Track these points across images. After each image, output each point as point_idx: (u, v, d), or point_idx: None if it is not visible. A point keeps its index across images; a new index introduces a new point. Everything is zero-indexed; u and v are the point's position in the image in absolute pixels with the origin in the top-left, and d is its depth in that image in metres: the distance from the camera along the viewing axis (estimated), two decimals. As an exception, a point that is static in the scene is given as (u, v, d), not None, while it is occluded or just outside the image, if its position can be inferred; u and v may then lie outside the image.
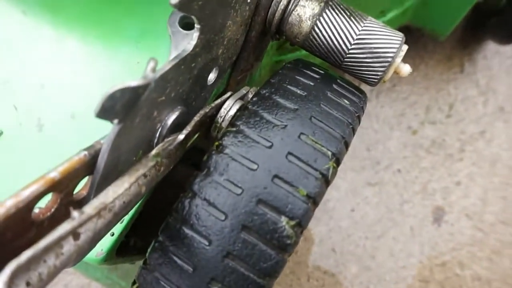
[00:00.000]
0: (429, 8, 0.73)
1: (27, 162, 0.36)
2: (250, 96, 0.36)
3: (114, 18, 0.40)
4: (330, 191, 0.89)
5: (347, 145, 0.32)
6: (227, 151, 0.28)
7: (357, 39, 0.36)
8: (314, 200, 0.27)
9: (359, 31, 0.36)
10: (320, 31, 0.36)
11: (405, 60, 0.36)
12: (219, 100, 0.34)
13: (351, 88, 0.36)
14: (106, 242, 0.35)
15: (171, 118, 0.29)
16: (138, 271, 0.29)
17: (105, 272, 0.53)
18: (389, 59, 0.36)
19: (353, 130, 0.33)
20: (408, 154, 0.93)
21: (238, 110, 0.34)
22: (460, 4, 0.71)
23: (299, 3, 0.37)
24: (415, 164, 0.92)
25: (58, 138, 0.37)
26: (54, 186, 0.21)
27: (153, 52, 0.39)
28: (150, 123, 0.27)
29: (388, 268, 0.85)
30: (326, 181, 0.28)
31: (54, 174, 0.21)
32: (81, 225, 0.20)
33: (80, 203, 0.25)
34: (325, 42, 0.37)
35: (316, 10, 0.36)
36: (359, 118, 0.35)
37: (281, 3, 0.36)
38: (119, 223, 0.35)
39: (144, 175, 0.26)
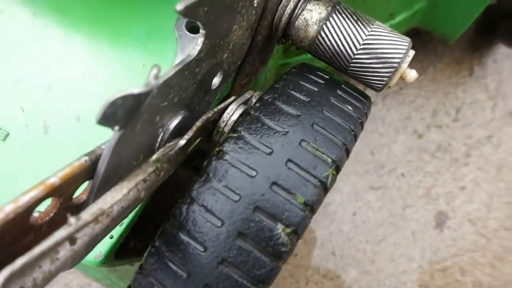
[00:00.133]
0: (439, 11, 0.72)
1: (32, 164, 0.37)
2: (253, 100, 0.36)
3: (122, 20, 0.40)
4: (332, 194, 0.89)
5: (348, 152, 0.32)
6: (226, 157, 0.28)
7: (363, 44, 0.35)
8: (311, 207, 0.27)
9: (366, 36, 0.35)
10: (327, 35, 0.36)
11: (413, 63, 0.36)
12: (222, 105, 0.33)
13: (355, 94, 0.36)
14: (105, 245, 0.35)
15: (173, 123, 0.29)
16: (134, 276, 0.29)
17: (104, 273, 0.53)
18: (395, 65, 0.35)
19: (355, 137, 0.33)
20: (413, 158, 0.92)
21: (240, 115, 0.34)
22: (470, 7, 0.70)
23: (306, 7, 0.36)
24: (420, 168, 0.91)
25: (63, 141, 0.37)
26: (53, 192, 0.21)
27: (159, 55, 0.39)
28: (151, 128, 0.27)
29: (388, 273, 0.85)
30: (325, 188, 0.28)
31: (54, 180, 0.21)
32: (77, 231, 0.20)
33: (79, 208, 0.25)
34: (331, 47, 0.36)
35: (323, 14, 0.36)
36: (362, 124, 0.35)
37: (288, 7, 0.36)
38: (118, 226, 0.35)
39: (144, 180, 0.26)
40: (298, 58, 0.56)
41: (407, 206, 0.89)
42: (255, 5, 0.33)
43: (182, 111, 0.30)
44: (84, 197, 0.25)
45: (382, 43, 0.35)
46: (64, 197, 0.23)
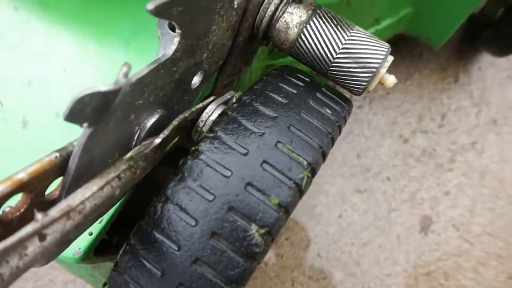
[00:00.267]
0: (424, 17, 0.73)
1: (10, 159, 0.36)
2: (233, 101, 0.36)
3: (106, 18, 0.40)
4: (318, 196, 0.89)
5: (324, 155, 0.32)
6: (202, 156, 0.28)
7: (343, 48, 0.36)
8: (286, 209, 0.27)
9: (345, 40, 0.36)
10: (306, 38, 0.37)
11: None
12: (200, 105, 0.34)
13: (335, 97, 0.36)
14: (84, 241, 0.35)
15: (150, 122, 0.30)
16: (109, 273, 0.29)
17: (88, 269, 0.53)
18: (374, 69, 0.36)
19: (333, 140, 0.33)
20: (398, 162, 0.93)
21: (219, 115, 0.34)
22: (454, 14, 0.71)
23: (287, 10, 0.37)
24: (405, 172, 0.92)
25: (42, 136, 0.37)
26: (22, 187, 0.21)
27: (142, 53, 0.39)
28: (126, 126, 0.27)
29: (373, 276, 0.85)
30: (300, 190, 0.28)
31: (22, 175, 0.21)
32: (45, 227, 0.20)
33: (52, 204, 0.25)
34: (311, 49, 0.37)
35: (304, 17, 0.36)
36: (340, 127, 0.35)
37: (269, 9, 0.37)
38: (97, 222, 0.35)
39: (118, 178, 0.26)
40: (284, 60, 0.56)
41: (392, 209, 0.90)
42: (235, 6, 0.33)
43: (159, 110, 0.30)
44: (57, 193, 0.25)
45: (361, 47, 0.36)
46: (35, 192, 0.23)
